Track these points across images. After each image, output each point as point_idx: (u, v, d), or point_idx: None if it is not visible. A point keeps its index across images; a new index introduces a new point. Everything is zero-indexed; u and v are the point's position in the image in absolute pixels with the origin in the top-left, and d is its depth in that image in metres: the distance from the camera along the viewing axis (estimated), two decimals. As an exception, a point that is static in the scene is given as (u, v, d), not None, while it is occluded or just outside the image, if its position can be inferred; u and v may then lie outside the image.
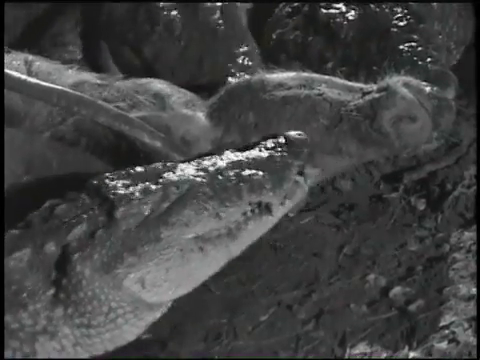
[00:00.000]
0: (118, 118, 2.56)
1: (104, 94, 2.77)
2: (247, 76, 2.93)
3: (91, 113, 2.56)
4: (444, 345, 2.15)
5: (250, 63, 3.18)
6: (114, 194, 2.16)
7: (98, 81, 2.85)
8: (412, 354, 2.16)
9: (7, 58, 2.80)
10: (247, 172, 2.22)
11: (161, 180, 2.19)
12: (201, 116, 2.72)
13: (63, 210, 2.18)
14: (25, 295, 2.09)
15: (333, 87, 2.70)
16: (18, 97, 2.73)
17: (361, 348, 2.25)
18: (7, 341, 2.08)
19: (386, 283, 2.49)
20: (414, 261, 2.56)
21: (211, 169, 2.23)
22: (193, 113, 2.72)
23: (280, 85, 2.72)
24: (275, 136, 2.34)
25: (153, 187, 2.17)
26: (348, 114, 2.64)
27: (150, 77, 2.97)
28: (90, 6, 3.47)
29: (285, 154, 2.27)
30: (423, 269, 2.50)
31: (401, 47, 3.11)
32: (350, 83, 2.75)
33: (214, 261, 2.18)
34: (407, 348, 2.19)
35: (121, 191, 2.17)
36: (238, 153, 2.30)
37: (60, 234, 2.13)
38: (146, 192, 2.15)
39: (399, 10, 3.23)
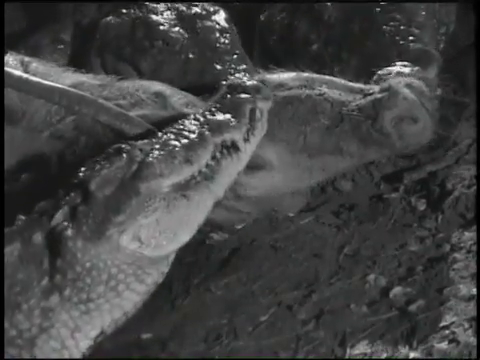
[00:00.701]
0: (119, 117, 2.57)
1: (104, 93, 2.77)
2: (248, 77, 2.92)
3: (92, 112, 2.56)
4: (444, 345, 2.15)
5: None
6: (83, 174, 2.21)
7: (97, 82, 2.85)
8: (412, 354, 2.16)
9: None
10: (203, 118, 2.31)
11: (124, 149, 2.25)
12: None
13: (41, 205, 2.21)
14: (18, 290, 2.09)
15: (334, 88, 2.70)
16: (16, 95, 2.73)
17: (361, 348, 2.25)
18: (6, 349, 2.07)
19: (386, 283, 2.49)
20: (414, 261, 2.56)
21: (170, 129, 2.31)
22: (194, 112, 2.72)
23: (281, 85, 2.72)
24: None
25: (118, 156, 2.22)
26: (349, 114, 2.64)
27: None
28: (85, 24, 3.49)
29: (233, 96, 2.37)
30: (423, 269, 2.50)
31: (383, 27, 3.12)
32: (351, 83, 2.74)
33: (201, 204, 2.23)
34: (407, 348, 2.19)
35: (89, 170, 2.22)
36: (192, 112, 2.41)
37: (43, 223, 2.15)
38: (112, 161, 2.21)
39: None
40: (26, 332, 2.10)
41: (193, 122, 2.32)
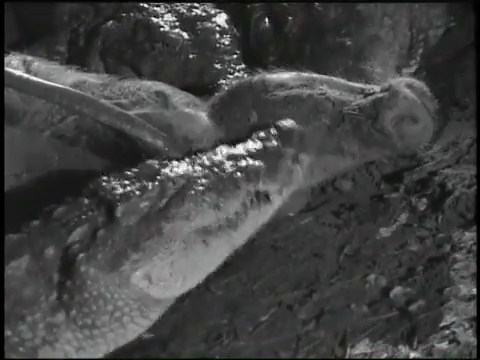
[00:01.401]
0: (120, 117, 2.57)
1: (105, 92, 2.77)
2: (248, 77, 2.92)
3: (93, 112, 2.56)
4: (445, 345, 2.15)
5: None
6: (112, 194, 2.17)
7: (99, 81, 2.85)
8: (413, 354, 2.16)
9: (5, 59, 2.80)
10: (242, 163, 2.26)
11: (158, 177, 2.20)
12: (203, 116, 2.72)
13: (61, 213, 2.19)
14: (24, 305, 2.08)
15: (335, 87, 2.70)
16: (17, 95, 2.74)
17: (362, 348, 2.25)
18: (8, 354, 2.07)
19: (387, 283, 2.48)
20: (415, 261, 2.56)
21: (206, 163, 2.26)
22: (195, 112, 2.72)
23: (281, 85, 2.72)
24: (266, 126, 2.36)
25: (150, 184, 2.18)
26: (350, 114, 2.64)
27: None
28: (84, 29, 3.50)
29: (277, 142, 2.31)
30: (424, 269, 2.49)
31: (331, 53, 3.15)
32: (351, 83, 2.74)
33: (218, 252, 2.20)
34: (407, 348, 2.19)
35: (119, 191, 2.18)
36: (232, 146, 2.33)
37: (60, 237, 2.13)
38: (144, 189, 2.17)
39: (341, 11, 3.27)
40: (29, 342, 2.09)
41: (229, 163, 2.26)
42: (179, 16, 3.36)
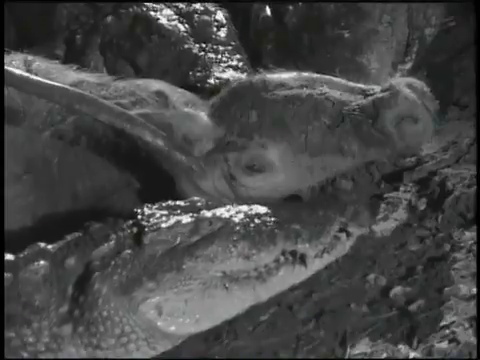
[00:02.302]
0: (120, 116, 2.56)
1: (103, 92, 2.77)
2: (248, 76, 2.92)
3: (92, 111, 2.55)
4: (444, 345, 2.14)
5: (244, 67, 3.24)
6: (147, 220, 2.16)
7: (97, 80, 2.85)
8: (412, 354, 2.16)
9: (6, 58, 2.80)
10: (283, 223, 2.18)
11: (196, 215, 2.17)
12: (203, 115, 2.71)
13: (96, 228, 2.19)
14: (33, 310, 2.07)
15: (335, 88, 2.69)
16: (17, 96, 2.74)
17: (362, 348, 2.25)
18: (7, 354, 2.05)
19: (386, 283, 2.48)
20: (414, 261, 2.56)
21: (249, 212, 2.20)
22: (195, 112, 2.71)
23: (282, 85, 2.71)
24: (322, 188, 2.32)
25: (186, 220, 2.15)
26: (350, 113, 2.63)
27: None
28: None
29: (329, 209, 2.24)
30: (423, 269, 2.49)
31: (329, 45, 3.16)
32: (352, 84, 2.74)
33: (239, 302, 2.14)
34: (407, 348, 2.19)
35: (154, 219, 2.16)
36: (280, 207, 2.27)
37: (85, 250, 2.13)
38: (178, 224, 2.14)
39: (340, 4, 3.29)
40: (31, 346, 2.07)
41: (269, 219, 2.19)
42: (178, 10, 3.37)
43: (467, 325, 2.18)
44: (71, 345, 2.08)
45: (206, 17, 3.37)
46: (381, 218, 2.84)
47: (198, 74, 3.18)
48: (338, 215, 2.22)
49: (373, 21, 3.32)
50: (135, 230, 2.14)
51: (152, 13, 3.36)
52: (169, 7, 3.39)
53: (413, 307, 2.33)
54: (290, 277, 2.18)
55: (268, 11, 3.45)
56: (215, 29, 3.33)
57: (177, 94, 2.77)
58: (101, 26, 3.42)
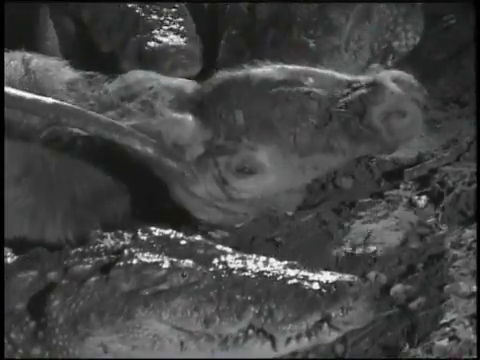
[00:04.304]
0: (108, 127, 2.54)
1: (95, 94, 2.76)
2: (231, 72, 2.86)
3: (80, 124, 2.53)
4: (445, 343, 2.15)
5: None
6: (130, 252, 2.05)
7: (90, 79, 2.84)
8: (413, 352, 2.16)
9: (5, 57, 2.80)
10: (265, 296, 1.96)
11: (175, 261, 2.02)
12: (190, 118, 2.68)
13: (93, 240, 2.14)
14: (13, 319, 2.01)
15: (320, 81, 2.66)
16: None
17: (362, 346, 2.25)
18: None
19: (387, 281, 2.48)
20: (415, 259, 2.56)
21: (235, 274, 2.01)
22: (182, 116, 2.68)
23: (266, 80, 2.68)
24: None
25: (163, 264, 2.01)
26: (338, 111, 2.62)
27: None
28: None
29: (319, 293, 1.95)
30: (424, 267, 2.49)
31: (291, 48, 3.16)
32: (338, 75, 2.70)
33: None
34: (408, 346, 2.19)
35: (137, 253, 2.05)
36: (280, 268, 2.05)
37: (66, 266, 2.06)
38: (152, 266, 2.01)
39: (314, 11, 3.29)
40: (17, 355, 2.01)
41: (249, 289, 1.98)
42: None
43: (467, 323, 2.18)
44: None
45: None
46: (381, 216, 2.84)
47: (139, 36, 3.22)
48: (324, 306, 1.93)
49: (340, 38, 3.31)
50: (111, 258, 2.05)
51: None
52: None
53: (413, 305, 2.33)
54: (256, 352, 1.97)
55: None
56: None
57: (163, 93, 2.73)
58: None
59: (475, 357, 2.08)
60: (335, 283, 1.96)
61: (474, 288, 2.30)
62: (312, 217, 2.92)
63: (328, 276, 1.99)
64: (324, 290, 1.94)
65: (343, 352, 2.25)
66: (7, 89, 2.50)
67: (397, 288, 2.42)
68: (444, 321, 2.22)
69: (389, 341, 2.24)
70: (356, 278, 1.99)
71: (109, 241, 2.13)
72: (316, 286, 1.95)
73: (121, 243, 2.11)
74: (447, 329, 2.19)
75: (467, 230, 2.59)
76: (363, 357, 2.22)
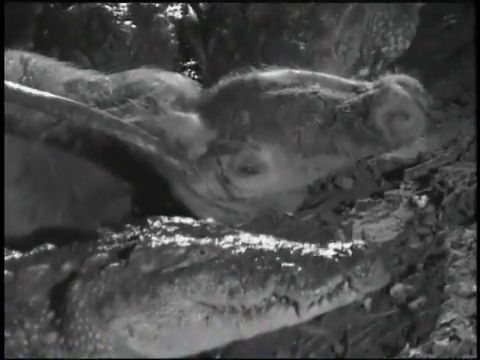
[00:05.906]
0: (111, 124, 2.54)
1: (95, 95, 2.76)
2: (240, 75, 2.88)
3: (84, 120, 2.53)
4: (445, 342, 2.14)
5: (196, 76, 3.25)
6: (144, 235, 2.11)
7: (91, 79, 2.84)
8: (413, 351, 2.16)
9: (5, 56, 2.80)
10: (285, 264, 2.02)
11: (193, 239, 2.08)
12: (195, 118, 2.69)
13: (98, 236, 2.17)
14: (26, 311, 2.04)
15: (326, 85, 2.67)
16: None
17: (362, 346, 2.25)
18: (6, 355, 2.03)
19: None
20: (415, 258, 2.56)
21: (254, 248, 2.08)
22: (186, 115, 2.69)
23: (273, 84, 2.69)
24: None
25: (181, 243, 2.07)
26: (342, 112, 2.62)
27: None
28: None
29: (337, 257, 2.03)
30: (424, 266, 2.49)
31: (281, 51, 3.16)
32: (344, 80, 2.72)
33: (218, 336, 2.04)
34: (408, 345, 2.19)
35: (151, 235, 2.10)
36: (292, 244, 2.11)
37: (81, 257, 2.09)
38: (170, 246, 2.06)
39: (305, 14, 3.28)
40: (25, 348, 2.04)
41: (269, 259, 2.04)
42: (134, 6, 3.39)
43: (467, 323, 2.18)
44: (52, 355, 2.04)
45: (161, 15, 3.37)
46: (381, 216, 2.84)
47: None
48: (344, 268, 2.01)
49: (330, 40, 3.31)
50: (127, 244, 2.09)
51: (108, 8, 3.37)
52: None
53: (413, 305, 2.33)
54: (280, 319, 2.04)
55: None
56: (170, 29, 3.34)
57: (166, 94, 2.73)
58: (62, 15, 3.42)
59: (475, 357, 2.08)
60: (351, 247, 2.05)
61: (474, 288, 2.30)
62: (312, 217, 2.92)
63: (341, 244, 2.08)
64: (341, 254, 2.03)
65: (343, 352, 2.25)
66: (12, 84, 2.50)
67: (397, 288, 2.42)
68: (444, 321, 2.22)
69: (389, 341, 2.24)
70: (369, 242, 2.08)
71: (119, 234, 2.16)
72: (332, 252, 2.04)
73: (135, 231, 2.15)
74: (447, 329, 2.19)
75: (467, 230, 2.59)
76: (363, 357, 2.22)
